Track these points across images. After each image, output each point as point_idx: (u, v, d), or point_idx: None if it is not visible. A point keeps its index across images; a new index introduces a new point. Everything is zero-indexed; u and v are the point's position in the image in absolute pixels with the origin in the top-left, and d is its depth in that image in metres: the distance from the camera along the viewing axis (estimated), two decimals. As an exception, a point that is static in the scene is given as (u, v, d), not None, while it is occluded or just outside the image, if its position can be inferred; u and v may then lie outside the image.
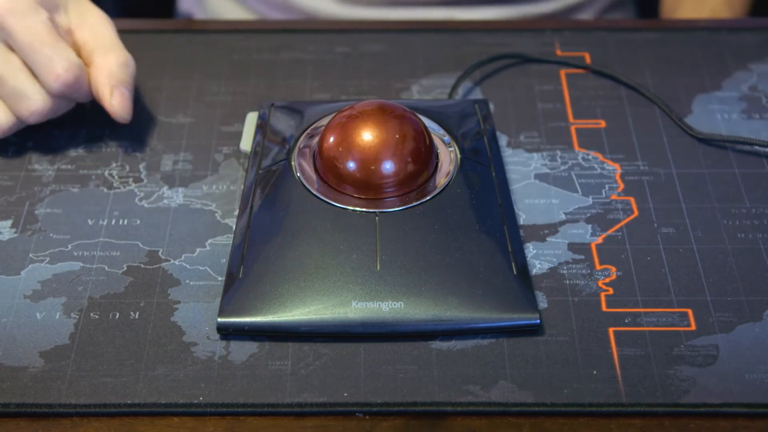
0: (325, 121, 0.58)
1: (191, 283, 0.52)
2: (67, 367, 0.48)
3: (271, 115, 0.61)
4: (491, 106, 0.64)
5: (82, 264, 0.53)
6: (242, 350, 0.49)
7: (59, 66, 0.57)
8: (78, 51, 0.60)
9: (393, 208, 0.53)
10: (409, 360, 0.48)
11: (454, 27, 0.73)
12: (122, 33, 0.72)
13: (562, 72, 0.68)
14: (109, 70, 0.59)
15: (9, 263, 0.53)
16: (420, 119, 0.56)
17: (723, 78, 0.67)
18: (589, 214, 0.56)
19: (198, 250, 0.54)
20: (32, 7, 0.58)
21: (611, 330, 0.50)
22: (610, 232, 0.55)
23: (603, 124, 0.63)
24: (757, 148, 0.61)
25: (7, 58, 0.58)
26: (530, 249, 0.54)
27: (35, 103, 0.58)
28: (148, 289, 0.52)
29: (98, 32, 0.61)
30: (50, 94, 0.58)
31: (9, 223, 0.56)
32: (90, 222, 0.56)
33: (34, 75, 0.58)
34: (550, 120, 0.63)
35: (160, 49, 0.69)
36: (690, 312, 0.51)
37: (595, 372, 0.48)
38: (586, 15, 0.86)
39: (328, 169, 0.54)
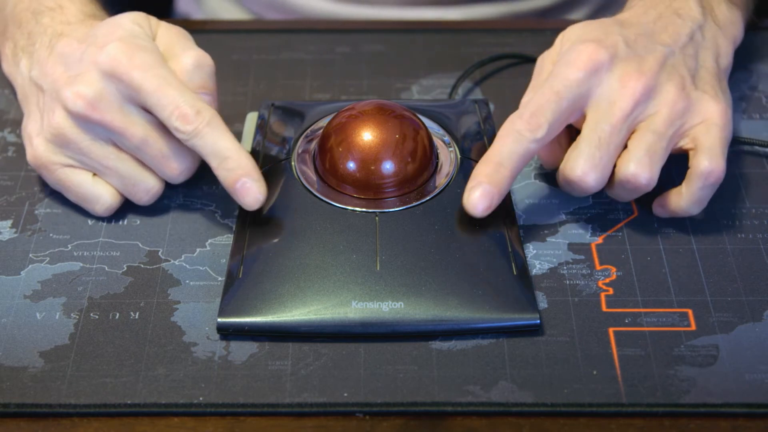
0: (325, 122, 0.58)
1: (191, 283, 0.52)
2: (67, 367, 0.48)
3: (271, 115, 0.61)
4: (491, 106, 0.64)
5: (82, 264, 0.53)
6: (242, 350, 0.49)
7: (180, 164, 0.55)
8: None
9: (393, 208, 0.53)
10: (409, 360, 0.48)
11: (454, 27, 0.73)
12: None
13: (562, 72, 0.67)
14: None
15: (9, 263, 0.53)
16: (420, 119, 0.56)
17: (723, 78, 0.67)
18: (589, 214, 0.56)
19: (198, 250, 0.54)
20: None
21: (611, 330, 0.50)
22: (610, 232, 0.55)
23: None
24: (757, 148, 0.61)
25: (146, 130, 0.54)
26: (530, 249, 0.54)
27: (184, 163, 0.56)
28: (148, 289, 0.52)
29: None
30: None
31: (9, 223, 0.56)
32: (90, 222, 0.56)
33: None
34: (550, 120, 0.63)
35: (160, 49, 0.69)
36: (690, 312, 0.51)
37: (595, 372, 0.48)
38: (580, 12, 0.86)
39: (328, 169, 0.54)
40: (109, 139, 0.54)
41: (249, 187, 0.52)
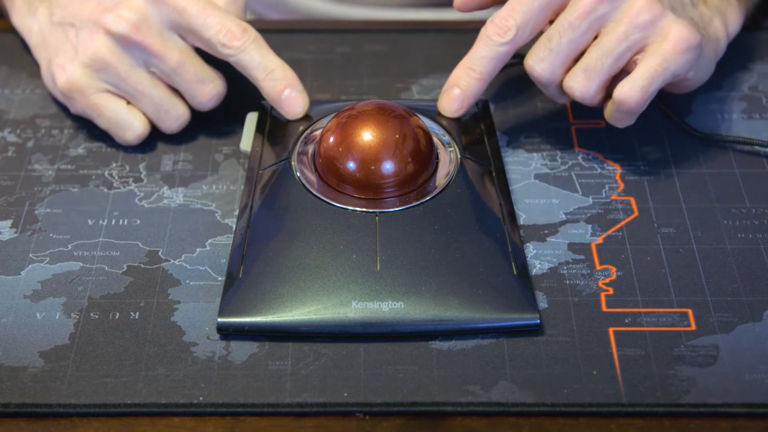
0: (324, 122, 0.58)
1: (191, 283, 0.52)
2: (67, 367, 0.48)
3: (271, 115, 0.61)
4: (491, 106, 0.64)
5: (82, 264, 0.53)
6: (242, 350, 0.49)
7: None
8: None
9: (393, 208, 0.53)
10: (409, 360, 0.48)
11: (454, 27, 0.73)
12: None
13: (562, 72, 0.67)
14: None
15: (9, 263, 0.53)
16: (420, 119, 0.56)
17: (723, 78, 0.67)
18: (589, 214, 0.56)
19: (198, 250, 0.54)
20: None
21: (611, 330, 0.50)
22: (610, 232, 0.55)
23: (603, 124, 0.63)
24: (757, 148, 0.61)
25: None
26: (530, 249, 0.54)
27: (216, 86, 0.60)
28: (148, 289, 0.52)
29: None
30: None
31: (9, 223, 0.56)
32: (90, 222, 0.56)
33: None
34: (550, 120, 0.63)
35: (160, 49, 0.69)
36: (690, 312, 0.51)
37: (595, 372, 0.48)
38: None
39: (328, 169, 0.54)
40: (146, 65, 0.59)
41: (294, 97, 0.59)
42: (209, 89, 0.59)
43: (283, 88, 0.58)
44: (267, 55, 0.58)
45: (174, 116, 0.60)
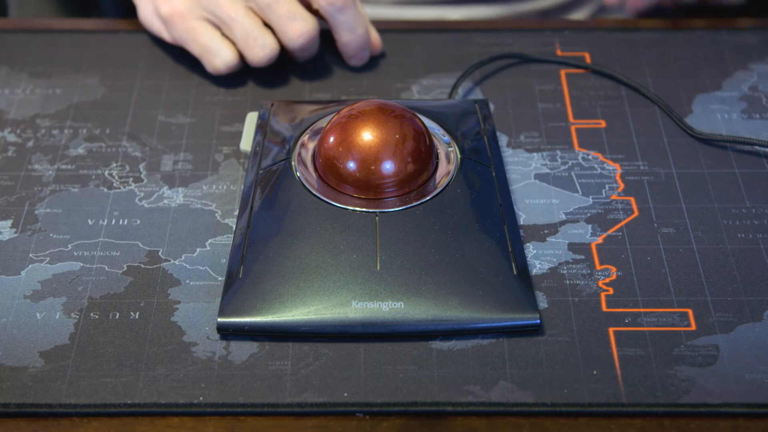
0: (325, 121, 0.58)
1: (191, 283, 0.52)
2: (67, 367, 0.48)
3: (271, 115, 0.61)
4: (491, 106, 0.64)
5: (82, 264, 0.53)
6: (242, 350, 0.49)
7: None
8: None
9: (393, 208, 0.53)
10: (409, 360, 0.48)
11: (454, 27, 0.73)
12: (122, 33, 0.72)
13: (562, 72, 0.68)
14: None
15: (9, 263, 0.53)
16: (420, 119, 0.56)
17: (723, 78, 0.67)
18: (589, 214, 0.56)
19: (198, 250, 0.54)
20: None
21: (611, 330, 0.50)
22: (610, 232, 0.55)
23: (603, 124, 0.63)
24: (757, 148, 0.61)
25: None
26: (530, 249, 0.54)
27: (306, 25, 0.64)
28: (148, 289, 0.52)
29: None
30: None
31: (9, 223, 0.56)
32: (90, 222, 0.56)
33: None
34: (550, 120, 0.63)
35: (160, 49, 0.69)
36: (690, 312, 0.51)
37: (595, 372, 0.48)
38: (579, 14, 0.86)
39: (328, 169, 0.54)
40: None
41: (365, 58, 0.67)
42: (299, 26, 0.62)
43: (359, 50, 0.66)
44: (359, 19, 0.64)
45: (261, 44, 0.62)
